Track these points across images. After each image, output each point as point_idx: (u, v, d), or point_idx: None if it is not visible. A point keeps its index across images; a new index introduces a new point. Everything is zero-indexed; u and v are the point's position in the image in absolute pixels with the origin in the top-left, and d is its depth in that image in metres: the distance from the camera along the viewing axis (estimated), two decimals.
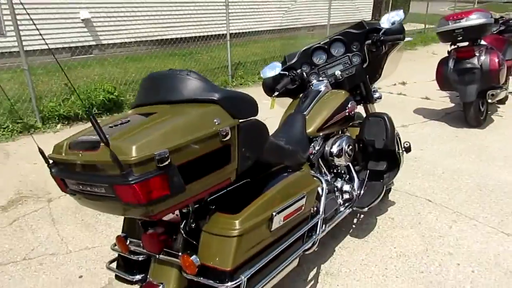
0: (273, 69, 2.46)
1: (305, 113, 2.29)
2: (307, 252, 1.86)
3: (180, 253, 1.46)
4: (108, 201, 1.27)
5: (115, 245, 1.72)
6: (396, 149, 2.56)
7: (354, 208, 2.33)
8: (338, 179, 2.39)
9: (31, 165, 3.48)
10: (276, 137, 2.20)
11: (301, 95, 2.47)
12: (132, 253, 1.67)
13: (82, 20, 7.54)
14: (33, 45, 6.77)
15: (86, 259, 2.35)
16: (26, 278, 2.21)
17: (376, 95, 2.77)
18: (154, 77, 1.55)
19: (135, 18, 8.27)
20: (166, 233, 1.55)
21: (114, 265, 1.76)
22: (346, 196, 2.35)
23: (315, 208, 1.90)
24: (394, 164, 2.52)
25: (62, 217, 2.81)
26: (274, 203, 1.56)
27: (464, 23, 4.19)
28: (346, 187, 2.34)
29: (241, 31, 9.13)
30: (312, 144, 2.24)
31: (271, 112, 2.43)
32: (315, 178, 1.88)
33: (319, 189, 1.96)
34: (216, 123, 1.35)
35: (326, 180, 2.32)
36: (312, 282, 2.18)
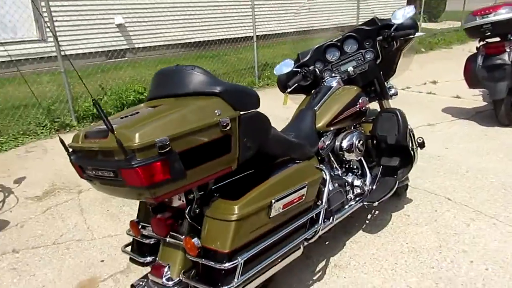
0: (285, 67, 2.53)
1: (315, 108, 2.34)
2: (309, 241, 1.92)
3: (183, 236, 1.56)
4: (117, 185, 1.39)
5: (129, 230, 1.85)
6: (410, 145, 2.56)
7: (365, 203, 2.36)
8: (349, 173, 2.42)
9: (65, 160, 3.66)
10: (286, 131, 2.27)
11: (313, 91, 2.53)
12: (144, 237, 1.79)
13: (117, 25, 7.88)
14: (69, 49, 7.20)
15: (108, 246, 2.51)
16: (54, 260, 2.39)
17: (392, 91, 2.77)
18: (163, 72, 1.66)
19: (165, 23, 8.55)
20: (173, 218, 1.66)
21: (129, 249, 1.89)
22: (357, 190, 2.37)
23: (318, 199, 1.95)
24: (407, 160, 2.52)
25: (90, 207, 3.00)
26: (274, 191, 1.63)
27: (492, 18, 4.07)
28: (357, 182, 2.37)
29: (268, 32, 9.24)
30: (322, 138, 2.29)
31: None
32: (318, 170, 1.93)
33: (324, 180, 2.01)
34: (217, 114, 1.44)
35: (337, 174, 2.37)
36: (320, 273, 2.22)
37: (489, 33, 4.17)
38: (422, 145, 2.71)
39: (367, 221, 2.72)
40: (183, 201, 1.64)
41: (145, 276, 1.76)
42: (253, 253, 1.55)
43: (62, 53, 4.92)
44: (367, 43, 2.58)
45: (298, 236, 1.79)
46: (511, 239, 2.46)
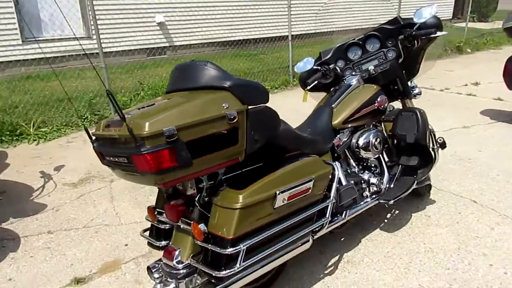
0: (306, 64, 2.57)
1: (333, 105, 2.37)
2: (317, 235, 1.96)
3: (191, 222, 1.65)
4: (130, 170, 1.51)
5: (148, 216, 1.97)
6: (430, 144, 2.52)
7: (380, 201, 2.36)
8: (366, 171, 2.42)
9: None
10: (302, 127, 2.32)
11: (332, 89, 2.55)
12: (160, 223, 1.91)
13: (157, 23, 8.17)
14: (113, 47, 7.56)
15: (133, 231, 2.66)
16: (83, 242, 2.57)
17: (416, 91, 2.73)
18: (179, 68, 1.76)
19: (203, 21, 8.76)
20: (186, 205, 1.76)
21: (147, 233, 2.01)
22: (374, 188, 2.38)
23: (327, 193, 1.99)
24: (427, 160, 2.48)
25: (120, 195, 3.18)
26: (279, 183, 1.69)
27: None
28: (374, 180, 2.37)
29: (303, 32, 9.23)
30: (338, 135, 2.31)
31: None
32: (327, 165, 1.96)
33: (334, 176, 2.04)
34: (225, 107, 1.52)
35: (353, 172, 2.39)
36: (332, 268, 2.25)
37: None
38: (443, 145, 2.66)
39: (385, 220, 2.71)
40: (194, 189, 1.74)
41: (160, 259, 1.87)
42: (256, 241, 1.61)
43: (103, 50, 5.17)
44: (390, 42, 2.56)
45: (304, 228, 1.83)
46: None
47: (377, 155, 2.43)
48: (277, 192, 1.67)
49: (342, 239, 2.51)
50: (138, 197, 3.14)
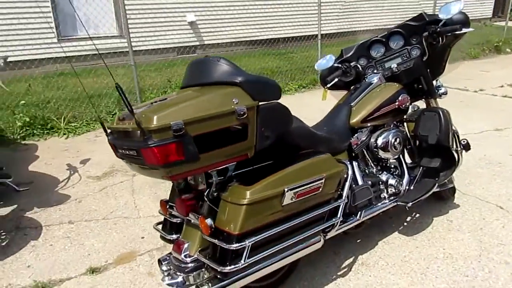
0: (326, 62, 2.53)
1: (352, 104, 2.32)
2: (328, 235, 1.92)
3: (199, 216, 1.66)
4: (140, 163, 1.53)
5: (160, 209, 2.00)
6: (453, 146, 2.42)
7: (398, 203, 2.29)
8: (385, 172, 2.36)
9: None
10: (319, 125, 2.29)
11: (352, 87, 2.50)
12: (172, 217, 1.93)
13: (189, 22, 8.28)
14: (145, 45, 7.73)
15: (150, 224, 2.71)
16: (102, 233, 2.64)
17: (441, 90, 2.63)
18: (193, 63, 1.78)
19: (233, 20, 8.80)
20: (196, 200, 1.77)
21: (160, 227, 2.04)
22: (392, 190, 2.31)
23: (339, 193, 1.95)
24: (449, 162, 2.39)
25: (140, 189, 3.24)
26: (288, 180, 1.67)
27: None
28: (392, 181, 2.31)
29: (334, 31, 9.11)
30: (356, 134, 2.26)
31: None
32: (340, 164, 1.92)
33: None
34: (235, 103, 1.52)
35: (371, 172, 2.33)
36: (345, 269, 2.21)
37: None
38: (466, 147, 2.55)
39: (405, 223, 2.63)
40: (204, 184, 1.75)
41: (171, 253, 1.89)
42: (262, 238, 1.60)
43: (133, 48, 5.30)
44: (414, 39, 2.48)
45: (313, 227, 1.80)
46: None
47: (396, 156, 2.36)
48: (286, 190, 1.65)
49: (358, 240, 2.46)
50: (157, 191, 3.19)
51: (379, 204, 2.25)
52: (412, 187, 2.39)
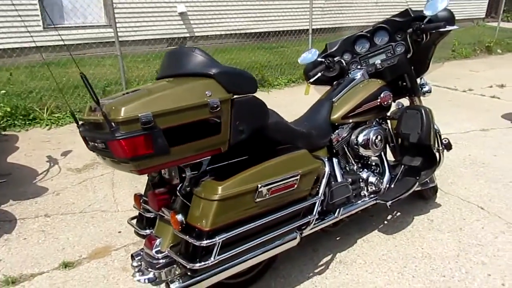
0: (309, 56, 2.49)
1: (334, 99, 2.28)
2: (304, 232, 1.89)
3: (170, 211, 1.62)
4: (109, 156, 1.48)
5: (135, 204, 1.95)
6: (435, 145, 2.41)
7: (378, 201, 2.27)
8: (366, 169, 2.34)
9: None
10: (299, 120, 2.25)
11: (334, 82, 2.47)
12: (146, 211, 1.89)
13: (179, 13, 8.17)
14: (133, 36, 7.61)
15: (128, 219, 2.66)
16: (78, 227, 2.59)
17: (425, 88, 2.60)
18: (168, 53, 1.72)
19: (225, 12, 8.70)
20: (170, 194, 1.73)
21: (134, 222, 1.99)
22: (372, 187, 2.29)
23: (316, 190, 1.92)
24: (430, 161, 2.37)
25: (120, 183, 3.19)
26: (262, 176, 1.63)
27: None
28: (372, 179, 2.28)
29: (326, 26, 9.06)
30: (337, 131, 2.23)
31: None
32: (316, 161, 1.88)
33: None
34: (208, 95, 1.47)
35: (352, 169, 2.30)
36: (323, 267, 2.18)
37: None
38: (448, 146, 2.54)
39: (385, 222, 2.61)
40: (177, 178, 1.71)
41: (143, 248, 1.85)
42: (234, 235, 1.56)
43: (121, 38, 5.21)
44: (399, 36, 2.45)
45: (288, 225, 1.77)
46: None
47: (377, 153, 2.34)
48: (259, 186, 1.61)
49: (337, 238, 2.44)
50: (138, 185, 3.14)
51: (359, 202, 2.23)
52: (392, 186, 2.37)
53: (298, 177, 1.73)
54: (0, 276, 2.13)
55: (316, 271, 2.16)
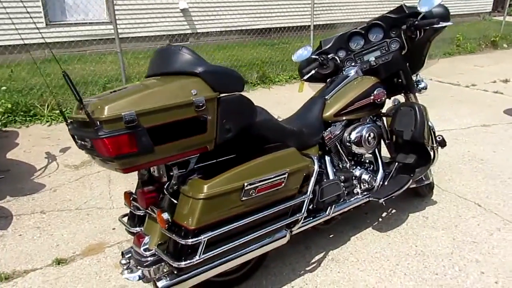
0: (303, 53, 2.48)
1: (327, 97, 2.27)
2: (293, 231, 1.88)
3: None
4: (94, 154, 1.49)
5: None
6: (429, 142, 2.39)
7: (370, 198, 2.26)
8: (359, 167, 2.32)
9: None
10: (291, 118, 2.24)
11: (328, 80, 2.45)
12: (136, 209, 1.89)
13: (181, 10, 8.16)
14: (135, 32, 7.62)
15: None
16: (73, 224, 2.61)
17: (421, 85, 2.58)
18: (157, 52, 1.72)
19: (227, 9, 8.68)
20: (158, 192, 1.73)
21: (125, 219, 2.00)
22: (365, 185, 2.28)
23: (305, 188, 1.91)
24: (424, 158, 2.35)
25: (117, 180, 3.20)
26: (248, 174, 1.62)
27: None
28: (365, 176, 2.27)
29: (327, 22, 9.00)
30: (329, 128, 2.21)
31: None
32: (305, 159, 1.88)
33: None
34: (193, 94, 1.47)
35: (344, 167, 2.29)
36: (314, 264, 2.18)
37: None
38: (442, 143, 2.52)
39: (380, 219, 2.60)
40: (165, 176, 1.71)
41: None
42: (219, 233, 1.56)
43: (122, 35, 5.22)
44: (393, 32, 2.42)
45: (275, 223, 1.76)
46: None
47: (371, 151, 2.32)
48: (246, 184, 1.60)
49: (331, 235, 2.43)
50: (134, 182, 3.12)
51: (351, 199, 2.22)
52: (386, 183, 2.36)
53: (285, 175, 1.72)
54: None
55: (307, 268, 2.16)
